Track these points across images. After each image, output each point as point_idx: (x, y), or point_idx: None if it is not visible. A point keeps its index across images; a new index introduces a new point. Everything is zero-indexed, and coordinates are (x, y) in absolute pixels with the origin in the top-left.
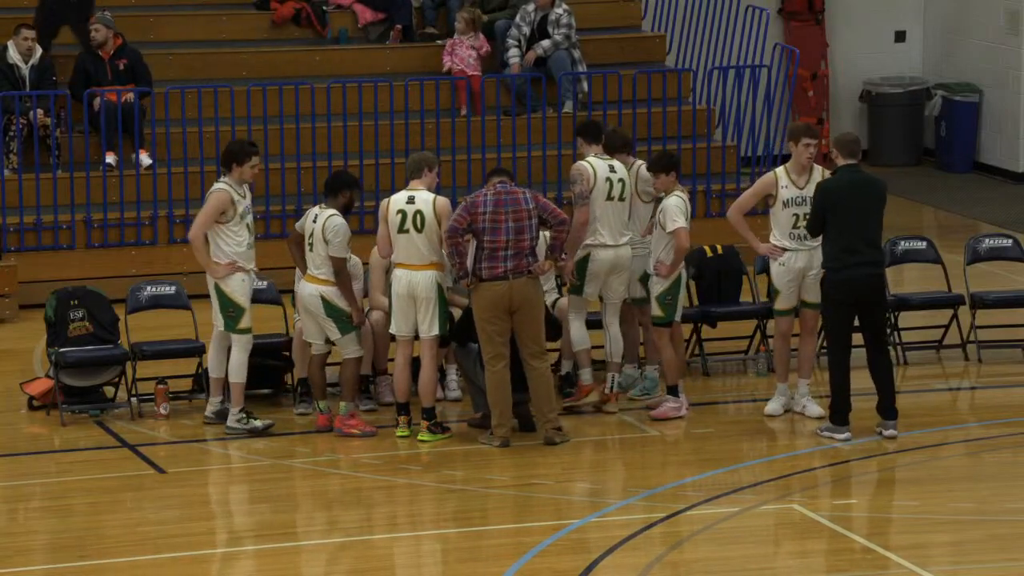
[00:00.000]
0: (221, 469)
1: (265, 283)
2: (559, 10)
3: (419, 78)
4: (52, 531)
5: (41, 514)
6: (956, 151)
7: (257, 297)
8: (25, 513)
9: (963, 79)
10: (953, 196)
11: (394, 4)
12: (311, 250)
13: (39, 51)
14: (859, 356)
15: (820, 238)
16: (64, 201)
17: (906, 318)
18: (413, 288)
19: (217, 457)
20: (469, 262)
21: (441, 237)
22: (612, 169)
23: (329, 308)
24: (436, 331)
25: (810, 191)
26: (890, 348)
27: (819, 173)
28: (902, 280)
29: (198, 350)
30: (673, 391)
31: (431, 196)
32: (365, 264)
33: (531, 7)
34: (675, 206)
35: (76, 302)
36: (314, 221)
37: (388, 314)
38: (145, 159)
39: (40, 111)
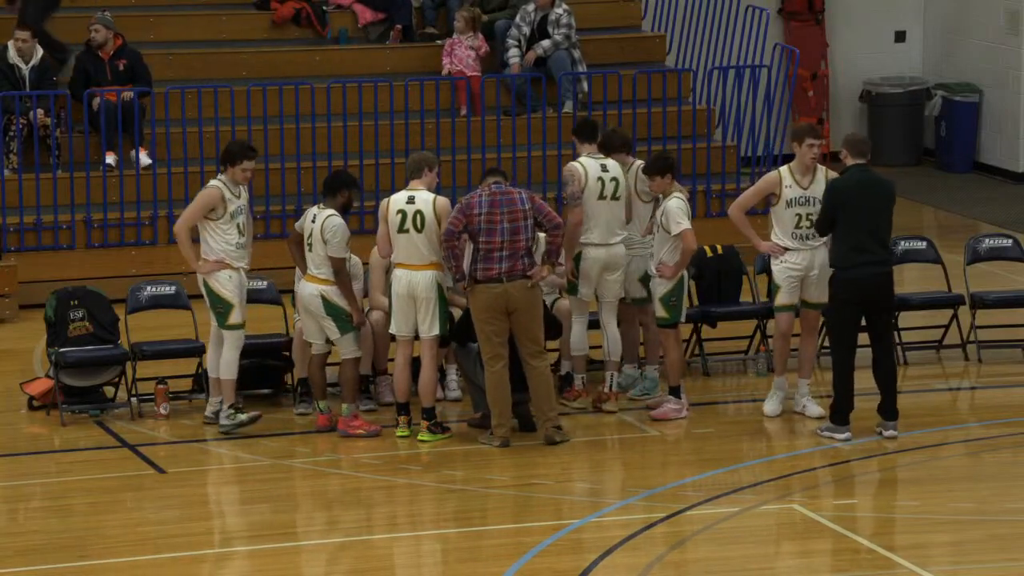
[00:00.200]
0: (221, 469)
1: (265, 283)
2: (559, 10)
3: (419, 78)
4: (52, 531)
5: (41, 514)
6: (956, 151)
7: (257, 297)
8: (25, 513)
9: (963, 79)
10: (953, 196)
11: (394, 4)
12: (310, 250)
13: (39, 51)
14: (860, 356)
15: (822, 238)
16: (64, 201)
17: (906, 318)
18: (413, 288)
19: (217, 457)
20: (466, 264)
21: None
22: (604, 168)
23: (329, 307)
24: (436, 331)
25: (813, 191)
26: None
27: (822, 173)
28: (902, 280)
29: (198, 350)
30: (675, 392)
31: (431, 196)
32: (365, 264)
33: (531, 7)
34: (677, 208)
35: (76, 302)
36: (313, 221)
37: (388, 314)
38: (144, 159)
39: (40, 111)
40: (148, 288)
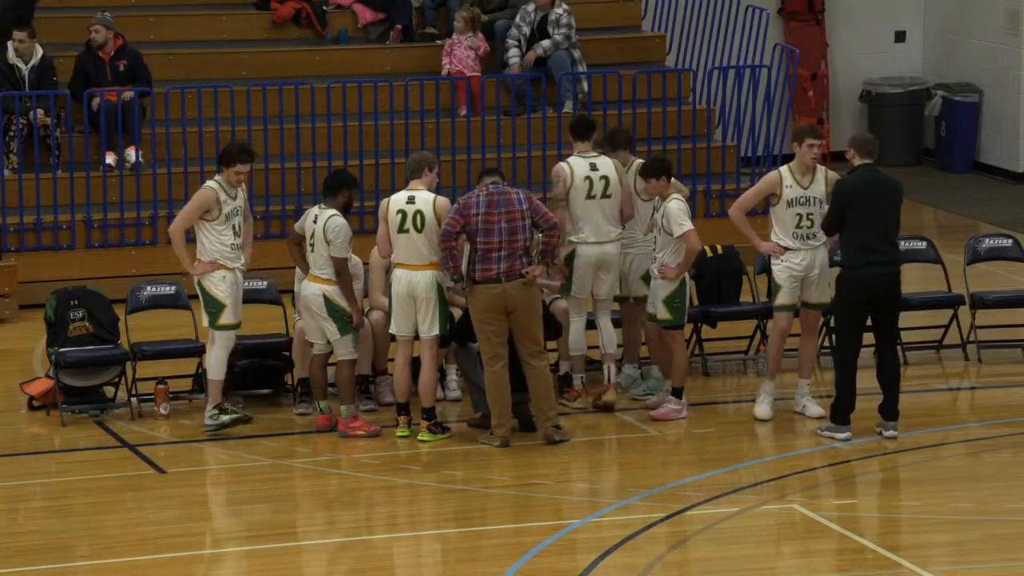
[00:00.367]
0: (221, 469)
1: (265, 283)
2: (559, 10)
3: (419, 78)
4: (52, 531)
5: (41, 514)
6: (956, 151)
7: (257, 297)
8: (25, 513)
9: (963, 79)
10: (953, 196)
11: (394, 4)
12: (312, 251)
13: (39, 51)
14: (860, 356)
15: (823, 238)
16: (64, 201)
17: (906, 318)
18: (413, 288)
19: (217, 457)
20: (464, 265)
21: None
22: (594, 167)
23: (331, 307)
24: (436, 331)
25: (813, 191)
26: None
27: (822, 173)
28: (902, 280)
29: (198, 350)
30: (677, 393)
31: (431, 196)
32: (365, 264)
33: (531, 7)
34: (677, 209)
35: (76, 302)
36: (314, 221)
37: (388, 314)
38: (130, 154)
39: (40, 111)
40: (148, 288)
